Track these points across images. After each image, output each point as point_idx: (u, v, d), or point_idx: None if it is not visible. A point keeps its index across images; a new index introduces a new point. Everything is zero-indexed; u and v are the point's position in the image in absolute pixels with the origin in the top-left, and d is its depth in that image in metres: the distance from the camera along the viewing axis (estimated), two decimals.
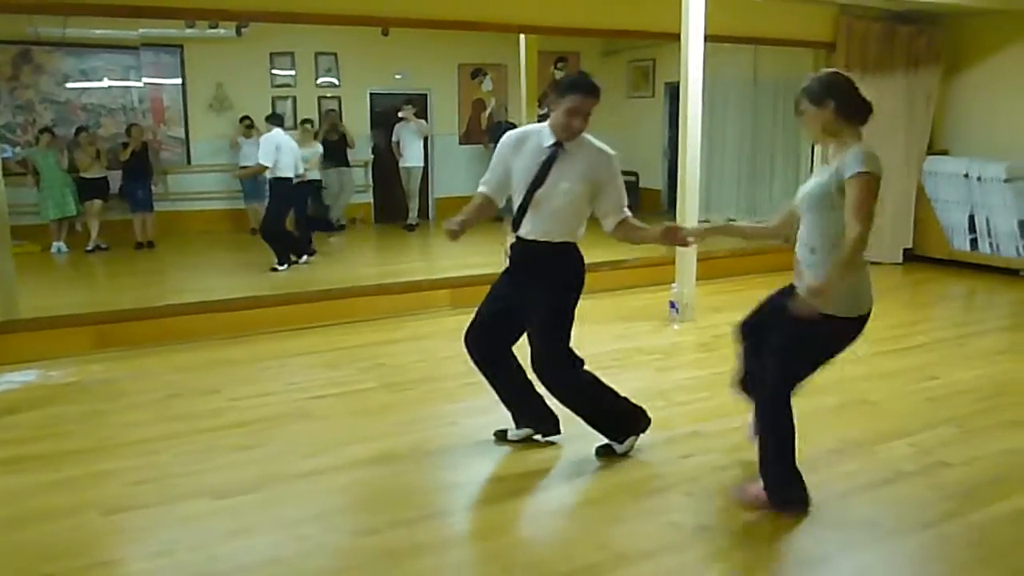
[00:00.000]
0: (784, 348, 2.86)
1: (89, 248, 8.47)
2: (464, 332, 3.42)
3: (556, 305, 3.21)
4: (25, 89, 9.07)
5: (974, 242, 7.54)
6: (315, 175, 8.55)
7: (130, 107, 9.53)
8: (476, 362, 3.44)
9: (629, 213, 3.29)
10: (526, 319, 3.25)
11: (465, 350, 3.44)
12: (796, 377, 2.89)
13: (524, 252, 3.25)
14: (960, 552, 2.69)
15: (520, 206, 3.19)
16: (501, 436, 3.56)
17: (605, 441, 3.39)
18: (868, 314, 2.88)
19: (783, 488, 2.89)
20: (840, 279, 2.73)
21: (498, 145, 3.32)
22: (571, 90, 3.12)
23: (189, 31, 8.90)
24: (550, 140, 3.16)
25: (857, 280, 2.85)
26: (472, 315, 3.43)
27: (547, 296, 3.19)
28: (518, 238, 3.25)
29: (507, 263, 3.36)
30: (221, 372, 4.71)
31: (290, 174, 7.48)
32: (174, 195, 9.68)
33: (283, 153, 7.37)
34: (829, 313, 2.74)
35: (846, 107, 2.78)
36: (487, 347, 3.40)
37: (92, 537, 2.85)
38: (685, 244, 3.59)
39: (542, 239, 3.19)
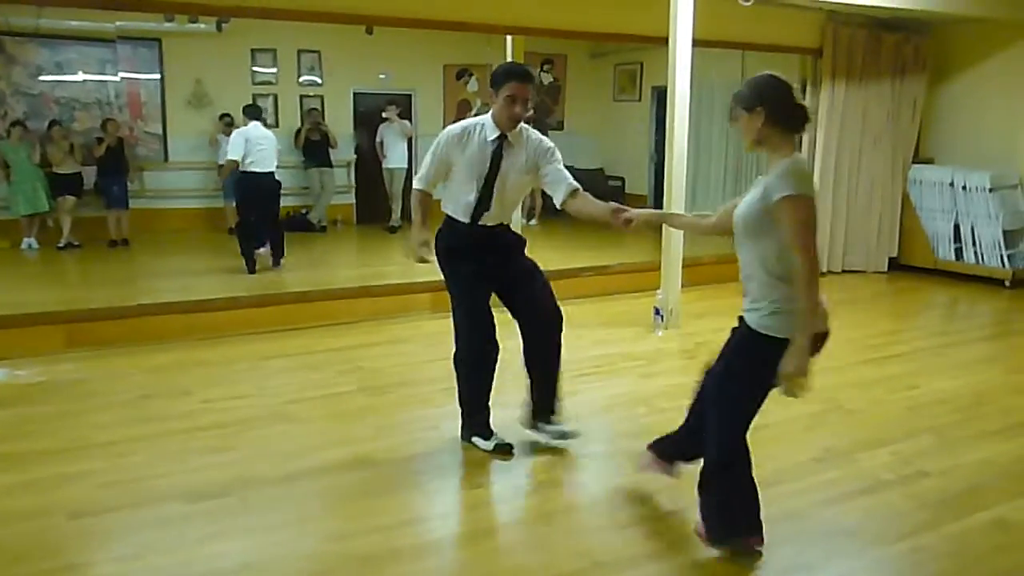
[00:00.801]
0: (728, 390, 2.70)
1: (61, 245, 8.31)
2: (475, 337, 3.38)
3: (536, 266, 3.51)
4: None
5: (959, 251, 7.59)
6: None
7: (106, 101, 9.37)
8: (494, 360, 3.42)
9: (579, 186, 3.34)
10: (518, 289, 3.42)
11: (484, 353, 3.39)
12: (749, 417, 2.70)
13: (487, 236, 3.38)
14: (938, 561, 2.68)
15: (480, 198, 3.31)
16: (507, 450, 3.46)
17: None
18: (824, 335, 2.54)
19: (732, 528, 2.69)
20: (809, 328, 2.43)
21: (439, 141, 3.37)
22: (507, 78, 3.22)
23: (168, 25, 8.77)
24: (494, 133, 3.26)
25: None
26: (462, 321, 3.41)
27: (527, 260, 3.49)
28: (476, 226, 3.35)
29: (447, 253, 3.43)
30: (194, 373, 4.62)
31: (261, 169, 7.18)
32: (150, 192, 9.53)
33: (252, 146, 7.11)
34: (781, 336, 2.51)
35: (778, 113, 2.49)
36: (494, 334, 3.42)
37: (59, 540, 2.77)
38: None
39: (503, 223, 3.42)
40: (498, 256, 3.41)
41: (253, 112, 7.46)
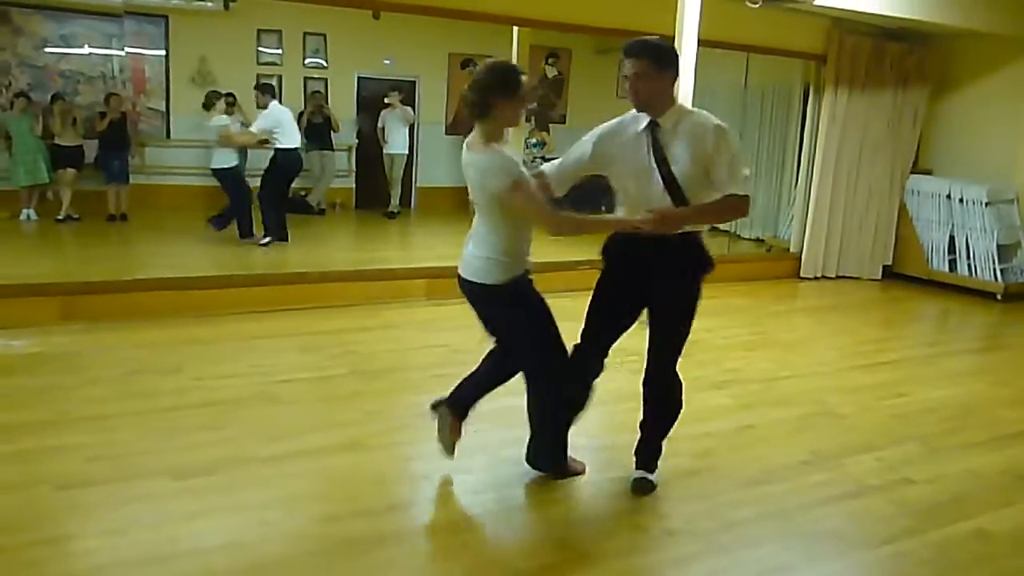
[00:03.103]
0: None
1: (60, 217, 8.29)
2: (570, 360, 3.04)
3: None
4: (1, 51, 8.85)
5: (953, 263, 7.61)
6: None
7: (110, 76, 9.34)
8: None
9: None
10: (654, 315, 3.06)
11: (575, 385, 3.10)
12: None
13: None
14: (919, 568, 2.70)
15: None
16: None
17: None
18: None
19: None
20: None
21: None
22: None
23: (175, 1, 8.75)
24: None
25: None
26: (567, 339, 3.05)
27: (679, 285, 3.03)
28: None
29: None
30: (187, 351, 4.62)
31: (294, 144, 7.58)
32: (151, 168, 9.50)
33: (284, 124, 7.50)
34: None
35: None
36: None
37: (44, 511, 2.78)
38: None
39: None
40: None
41: (272, 90, 7.71)
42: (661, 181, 2.83)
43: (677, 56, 2.97)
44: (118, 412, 3.64)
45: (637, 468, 3.18)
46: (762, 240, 9.10)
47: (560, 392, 3.00)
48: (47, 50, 9.01)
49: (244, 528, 2.73)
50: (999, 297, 7.20)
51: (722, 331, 5.67)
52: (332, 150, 9.89)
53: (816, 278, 7.91)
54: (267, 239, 7.49)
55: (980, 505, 3.18)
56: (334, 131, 9.84)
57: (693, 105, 5.61)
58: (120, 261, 7.04)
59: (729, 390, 4.40)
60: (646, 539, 2.78)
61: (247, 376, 4.23)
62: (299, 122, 9.79)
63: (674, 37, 5.52)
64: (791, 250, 8.13)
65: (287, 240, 7.58)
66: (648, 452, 3.18)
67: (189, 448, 3.31)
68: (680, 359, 3.04)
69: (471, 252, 2.90)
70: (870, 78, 7.64)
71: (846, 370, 4.92)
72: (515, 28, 7.68)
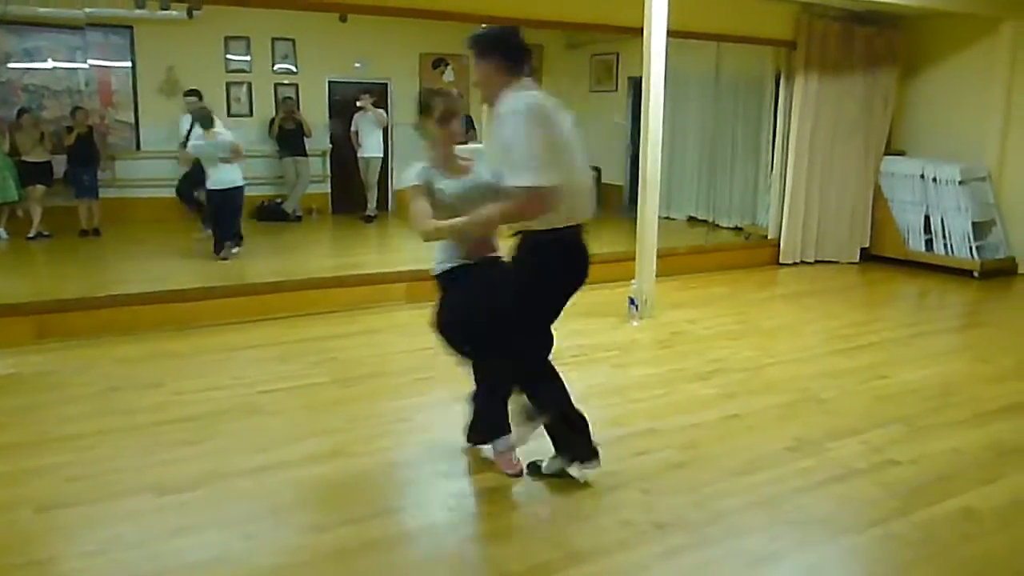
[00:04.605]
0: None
1: (31, 235, 8.17)
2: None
3: None
4: None
5: (929, 243, 7.68)
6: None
7: (76, 89, 9.20)
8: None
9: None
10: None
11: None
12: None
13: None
14: (907, 549, 2.71)
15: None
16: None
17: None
18: None
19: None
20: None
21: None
22: None
23: (139, 12, 8.57)
24: None
25: None
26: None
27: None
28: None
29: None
30: (165, 365, 4.57)
31: None
32: (121, 181, 9.38)
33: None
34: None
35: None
36: None
37: (25, 534, 2.73)
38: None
39: None
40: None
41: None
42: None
43: (501, 39, 2.82)
44: (97, 430, 3.59)
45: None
46: (740, 228, 9.14)
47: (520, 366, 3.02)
48: (10, 65, 8.86)
49: (229, 542, 2.69)
50: (976, 275, 7.27)
51: (704, 321, 5.68)
52: (306, 156, 9.81)
53: (795, 264, 7.95)
54: (236, 248, 7.41)
55: (965, 482, 3.20)
56: (306, 136, 9.77)
57: (665, 98, 5.68)
58: (94, 277, 6.94)
59: (713, 380, 4.41)
60: (635, 534, 2.77)
61: (228, 388, 4.18)
62: (270, 129, 9.78)
63: (643, 29, 5.51)
64: (769, 237, 8.17)
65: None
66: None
67: (171, 463, 3.27)
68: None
69: None
70: (840, 62, 7.69)
71: (828, 355, 4.95)
72: (484, 26, 7.64)
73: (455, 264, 3.10)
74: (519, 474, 3.15)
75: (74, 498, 2.97)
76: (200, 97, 8.55)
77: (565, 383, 3.05)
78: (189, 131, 7.87)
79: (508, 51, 2.81)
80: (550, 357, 3.06)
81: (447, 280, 3.15)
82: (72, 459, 3.29)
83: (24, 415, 3.79)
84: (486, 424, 3.23)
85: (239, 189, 7.42)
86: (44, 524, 2.80)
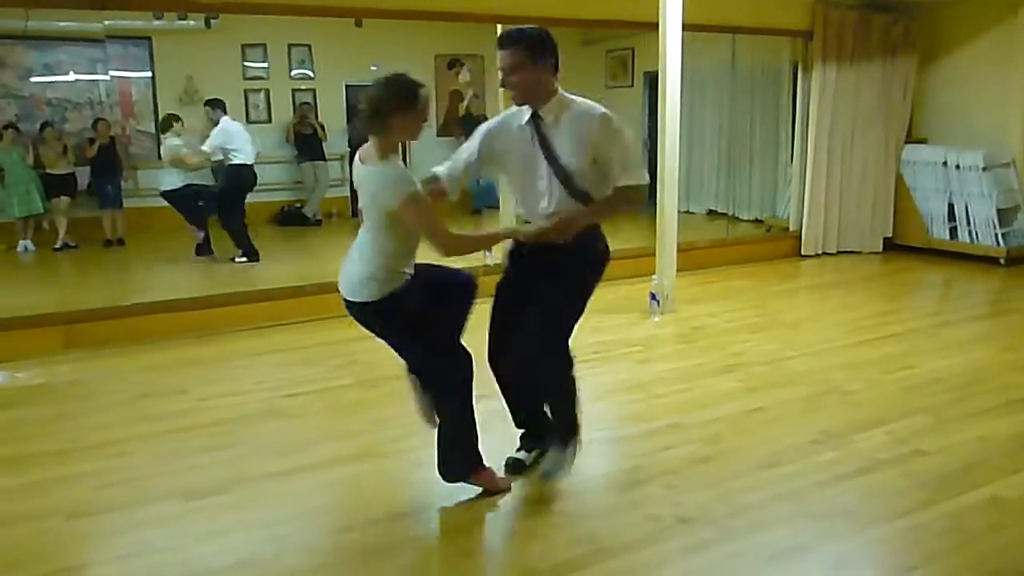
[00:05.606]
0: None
1: (57, 246, 8.29)
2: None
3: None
4: None
5: (953, 231, 7.58)
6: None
7: (97, 101, 9.33)
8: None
9: None
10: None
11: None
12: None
13: None
14: (933, 540, 2.69)
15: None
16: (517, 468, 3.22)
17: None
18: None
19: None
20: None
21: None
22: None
23: (157, 23, 8.70)
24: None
25: None
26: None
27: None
28: None
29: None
30: (191, 371, 4.63)
31: (247, 160, 7.55)
32: (144, 191, 9.48)
33: (236, 139, 7.47)
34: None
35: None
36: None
37: (57, 542, 2.77)
38: None
39: None
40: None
41: (222, 105, 7.74)
42: (552, 175, 2.80)
43: (553, 44, 2.81)
44: (125, 437, 3.64)
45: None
46: (761, 221, 9.07)
47: (468, 390, 2.91)
48: (32, 80, 9.00)
49: (257, 545, 2.72)
50: (1002, 262, 7.17)
51: (725, 315, 5.65)
52: (324, 160, 9.87)
53: (817, 255, 7.89)
54: (243, 258, 7.50)
55: (992, 472, 3.16)
56: (323, 140, 9.83)
57: (682, 92, 5.65)
58: (120, 286, 7.04)
59: (736, 374, 4.39)
60: (659, 529, 2.77)
61: (252, 393, 4.23)
62: (287, 134, 9.85)
63: (658, 23, 5.49)
64: (790, 229, 8.11)
65: (259, 259, 7.51)
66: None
67: (198, 468, 3.31)
68: (561, 343, 2.96)
69: (351, 269, 2.85)
70: (857, 51, 7.61)
71: (852, 346, 4.91)
72: (499, 26, 7.65)
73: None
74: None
75: (104, 505, 3.01)
76: (177, 118, 8.55)
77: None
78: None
79: (556, 55, 2.82)
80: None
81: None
82: (101, 467, 3.34)
83: (54, 424, 3.85)
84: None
85: (170, 192, 7.72)
86: (75, 531, 2.85)
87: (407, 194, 2.61)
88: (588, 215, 2.83)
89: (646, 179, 2.85)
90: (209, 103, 7.78)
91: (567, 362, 2.99)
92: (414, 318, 2.81)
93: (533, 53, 2.75)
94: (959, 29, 7.75)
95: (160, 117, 8.11)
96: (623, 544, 2.68)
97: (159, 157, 9.61)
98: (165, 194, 7.72)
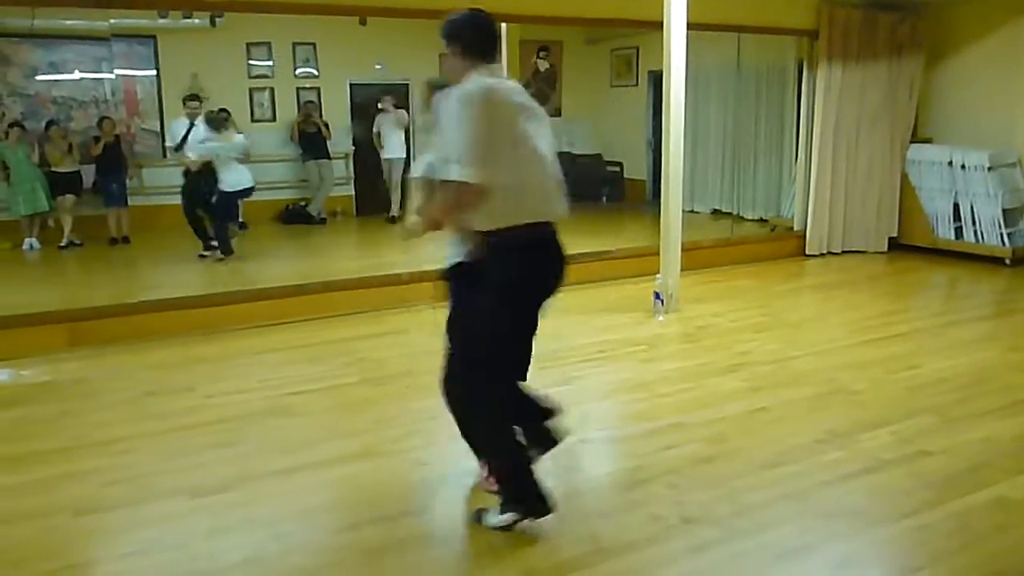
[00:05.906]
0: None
1: (62, 244, 8.31)
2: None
3: None
4: None
5: (959, 230, 7.56)
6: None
7: (102, 99, 9.35)
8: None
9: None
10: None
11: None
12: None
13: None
14: (939, 540, 2.68)
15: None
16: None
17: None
18: None
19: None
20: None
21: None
22: None
23: (162, 21, 8.74)
24: None
25: None
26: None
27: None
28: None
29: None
30: (196, 369, 4.64)
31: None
32: (149, 189, 9.51)
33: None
34: None
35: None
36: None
37: (63, 539, 2.78)
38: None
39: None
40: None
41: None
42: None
43: (466, 23, 2.66)
44: (131, 435, 3.65)
45: None
46: (765, 220, 9.06)
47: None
48: (38, 78, 9.02)
49: (262, 543, 2.73)
50: (1008, 262, 7.15)
51: (730, 314, 5.65)
52: (329, 158, 9.89)
53: (822, 255, 7.87)
54: (208, 252, 7.58)
55: (998, 472, 3.16)
56: (327, 139, 9.84)
57: (687, 91, 5.65)
58: (125, 284, 7.05)
59: (740, 373, 4.38)
60: (663, 528, 2.77)
61: (257, 391, 4.23)
62: (292, 133, 9.87)
63: (662, 22, 5.48)
64: (795, 228, 8.10)
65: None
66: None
67: (204, 466, 3.32)
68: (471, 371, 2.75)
69: None
70: (863, 50, 7.60)
71: (856, 346, 4.90)
72: (504, 24, 7.65)
73: (457, 260, 2.89)
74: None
75: (110, 502, 3.02)
76: (200, 101, 8.59)
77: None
78: (185, 135, 7.91)
79: (473, 35, 2.65)
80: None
81: (451, 277, 2.98)
82: (107, 464, 3.35)
83: (59, 421, 3.86)
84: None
85: (251, 189, 7.69)
86: (81, 528, 2.86)
87: None
88: (429, 211, 2.71)
89: (473, 178, 2.44)
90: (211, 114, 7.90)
91: (469, 387, 2.77)
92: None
93: (446, 38, 2.68)
94: (966, 29, 7.73)
95: (208, 112, 8.03)
96: (626, 544, 2.68)
97: (164, 155, 9.67)
98: (246, 191, 7.71)
